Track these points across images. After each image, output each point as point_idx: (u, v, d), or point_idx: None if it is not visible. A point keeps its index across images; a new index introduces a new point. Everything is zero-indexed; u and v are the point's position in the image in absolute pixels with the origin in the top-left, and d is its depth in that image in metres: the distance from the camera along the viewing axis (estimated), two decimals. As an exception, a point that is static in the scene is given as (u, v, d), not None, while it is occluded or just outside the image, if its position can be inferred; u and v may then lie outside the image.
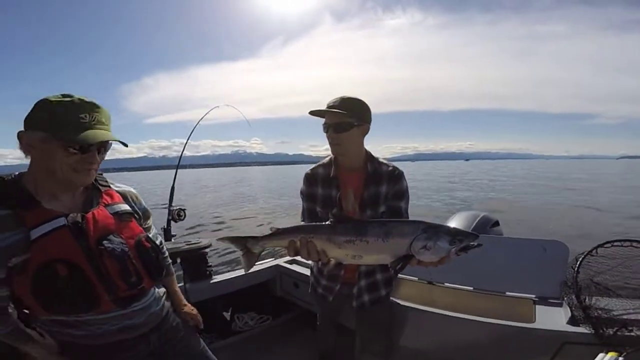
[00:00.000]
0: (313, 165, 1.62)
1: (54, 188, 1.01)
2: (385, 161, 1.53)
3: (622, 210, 12.28)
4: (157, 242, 1.25)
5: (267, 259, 2.86)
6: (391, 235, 1.12)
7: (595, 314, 1.48)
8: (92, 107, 0.97)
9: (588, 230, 8.92)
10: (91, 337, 1.03)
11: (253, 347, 2.44)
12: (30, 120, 0.95)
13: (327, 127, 1.45)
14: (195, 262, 2.40)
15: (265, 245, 1.27)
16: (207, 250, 2.45)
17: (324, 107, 1.43)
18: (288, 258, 2.75)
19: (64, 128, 0.92)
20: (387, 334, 1.72)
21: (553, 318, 1.64)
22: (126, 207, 1.15)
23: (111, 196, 1.13)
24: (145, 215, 1.25)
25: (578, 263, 1.68)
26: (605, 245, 1.71)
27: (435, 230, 1.09)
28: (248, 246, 1.27)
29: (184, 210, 2.79)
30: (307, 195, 1.57)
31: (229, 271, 2.68)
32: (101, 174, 1.16)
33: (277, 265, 2.68)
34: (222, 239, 1.29)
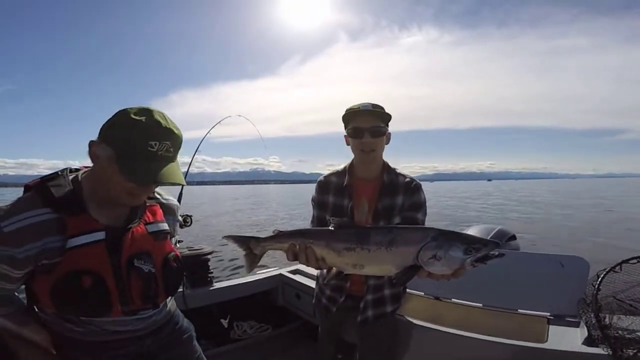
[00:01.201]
0: (326, 173, 1.58)
1: (105, 199, 1.00)
2: (402, 172, 1.48)
3: None
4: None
5: (270, 267, 2.82)
6: (396, 243, 1.03)
7: (615, 334, 1.34)
8: (165, 134, 0.94)
9: (614, 248, 8.42)
10: (86, 334, 1.02)
11: (251, 356, 2.37)
12: (105, 134, 0.93)
13: (360, 132, 1.37)
14: (196, 268, 2.39)
15: (266, 247, 1.23)
16: (209, 257, 2.44)
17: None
18: (291, 268, 2.70)
19: (130, 157, 0.91)
20: (389, 352, 1.62)
21: (568, 338, 1.50)
22: (165, 226, 1.14)
23: (154, 213, 1.12)
24: (176, 229, 1.27)
25: (599, 279, 1.56)
26: (631, 261, 1.59)
27: (447, 238, 0.98)
28: (250, 247, 1.23)
29: (190, 216, 2.80)
30: (318, 202, 1.53)
31: (230, 279, 2.66)
32: None
33: (280, 275, 2.63)
34: (226, 237, 1.28)
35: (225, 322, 2.54)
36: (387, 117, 1.39)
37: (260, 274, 2.65)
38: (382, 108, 1.39)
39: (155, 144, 0.92)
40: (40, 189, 0.94)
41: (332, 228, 1.15)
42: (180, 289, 2.27)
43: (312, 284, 2.33)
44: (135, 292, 1.00)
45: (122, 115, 0.92)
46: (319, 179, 1.56)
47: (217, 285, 2.43)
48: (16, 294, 1.00)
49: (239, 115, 3.32)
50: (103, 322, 1.02)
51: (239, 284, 2.48)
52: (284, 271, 2.65)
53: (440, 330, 1.65)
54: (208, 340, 2.32)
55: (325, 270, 1.28)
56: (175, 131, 0.97)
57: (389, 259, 1.03)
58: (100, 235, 0.95)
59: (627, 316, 1.47)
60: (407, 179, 1.44)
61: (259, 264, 1.29)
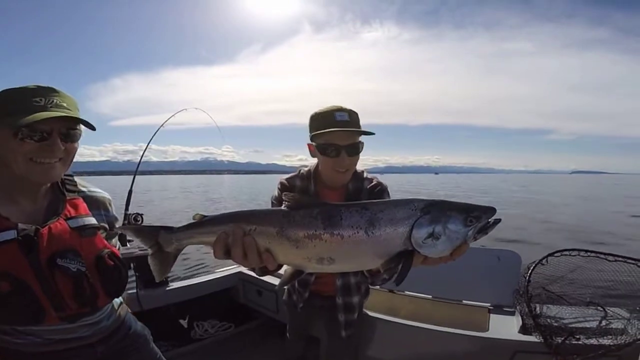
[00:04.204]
0: (288, 175, 1.46)
1: (12, 188, 0.91)
2: (369, 176, 1.39)
3: (576, 222, 13.06)
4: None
5: (229, 265, 2.76)
6: (377, 223, 0.78)
7: (545, 323, 1.52)
8: (49, 91, 0.89)
9: (543, 240, 9.38)
10: (29, 345, 0.95)
11: (214, 355, 2.34)
12: None
13: (336, 150, 1.21)
14: (149, 268, 2.27)
15: (183, 241, 0.89)
16: None
17: (308, 116, 1.27)
18: None
19: (13, 113, 0.84)
20: (356, 349, 1.62)
21: (506, 327, 1.68)
22: (91, 220, 1.03)
23: (76, 207, 1.02)
24: (112, 225, 1.14)
25: (529, 272, 1.73)
26: (555, 254, 1.77)
27: (441, 208, 0.78)
28: (159, 242, 0.90)
29: (141, 215, 2.66)
30: (281, 203, 1.40)
31: (188, 278, 2.58)
32: (72, 176, 1.05)
33: (240, 273, 2.60)
34: (123, 228, 1.03)
35: (184, 322, 2.47)
36: (361, 128, 1.25)
37: (219, 272, 2.62)
38: (357, 115, 1.27)
39: (41, 99, 0.88)
40: None
41: (287, 208, 0.85)
42: (134, 291, 2.18)
43: (273, 280, 2.32)
44: (66, 294, 0.91)
45: (2, 91, 0.88)
46: (281, 181, 1.44)
47: (173, 285, 2.35)
48: None
49: (196, 108, 3.21)
50: (43, 331, 0.95)
51: (197, 283, 2.43)
52: (244, 269, 2.63)
53: (398, 323, 1.76)
54: (167, 342, 2.25)
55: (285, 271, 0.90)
56: (62, 91, 0.92)
57: (371, 247, 0.78)
58: (11, 234, 0.86)
59: (555, 305, 1.67)
60: (372, 184, 1.37)
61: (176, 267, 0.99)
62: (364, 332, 1.80)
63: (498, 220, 0.79)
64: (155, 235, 0.90)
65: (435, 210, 0.77)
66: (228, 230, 0.82)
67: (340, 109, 1.23)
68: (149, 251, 0.93)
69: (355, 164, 1.30)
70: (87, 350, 1.05)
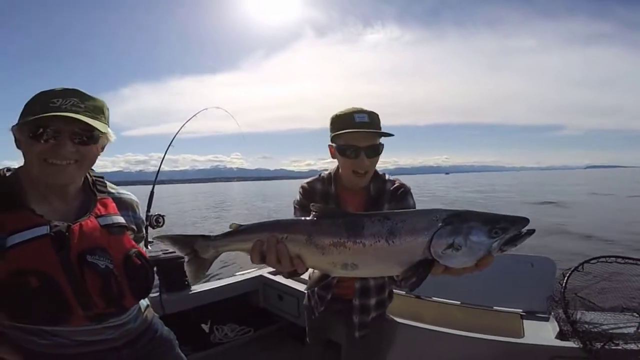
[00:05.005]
0: (309, 179, 1.45)
1: (43, 189, 0.93)
2: (391, 178, 1.38)
3: (602, 225, 12.71)
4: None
5: (249, 269, 2.75)
6: (398, 232, 0.81)
7: (583, 329, 1.48)
8: (71, 94, 0.90)
9: (566, 244, 9.19)
10: (54, 347, 0.95)
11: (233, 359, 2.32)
12: (20, 114, 0.90)
13: (355, 151, 1.21)
14: (172, 271, 2.28)
15: (220, 249, 0.96)
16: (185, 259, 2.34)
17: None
18: (272, 269, 2.66)
19: (30, 113, 0.86)
20: (376, 355, 1.58)
21: (541, 333, 1.64)
22: (120, 219, 1.04)
23: (105, 206, 1.03)
24: (140, 227, 1.15)
25: (565, 278, 1.71)
26: (592, 261, 1.75)
27: (463, 219, 0.78)
28: (196, 249, 0.97)
29: (162, 216, 2.66)
30: (303, 207, 1.37)
31: (208, 281, 2.57)
32: (102, 178, 1.07)
33: (261, 276, 2.59)
34: (161, 238, 1.05)
35: (206, 327, 2.46)
36: (382, 130, 1.25)
37: (240, 276, 2.60)
38: (377, 116, 1.26)
39: (58, 100, 0.88)
40: None
41: (314, 217, 0.92)
42: (157, 294, 2.18)
43: (295, 284, 2.33)
44: (93, 292, 0.91)
45: (36, 95, 0.90)
46: (302, 185, 1.44)
47: (195, 289, 2.35)
48: None
49: (217, 107, 3.18)
50: (70, 332, 0.95)
51: (218, 287, 2.42)
52: (265, 272, 2.61)
53: (423, 328, 1.72)
54: (187, 346, 2.24)
55: (309, 275, 1.03)
56: (84, 92, 0.92)
57: (391, 255, 0.82)
58: (44, 230, 0.87)
59: (590, 312, 1.63)
60: (395, 186, 1.35)
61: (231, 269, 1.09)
62: (387, 336, 1.76)
63: (532, 231, 0.77)
64: (191, 243, 0.97)
65: (458, 221, 0.78)
66: (263, 238, 0.91)
67: (361, 111, 1.23)
68: (185, 258, 0.99)
69: (374, 166, 1.28)
70: (112, 354, 1.05)
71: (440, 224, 0.78)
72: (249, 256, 0.93)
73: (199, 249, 0.97)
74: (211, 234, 0.97)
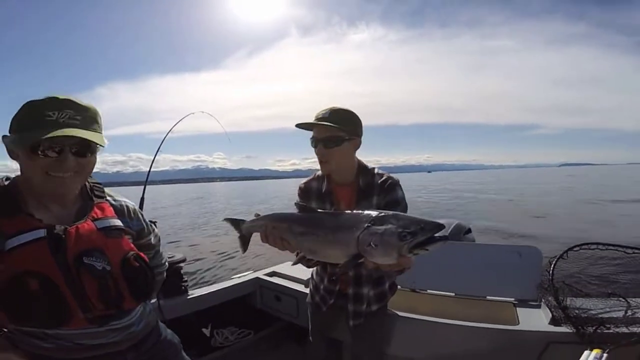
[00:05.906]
0: (306, 179, 1.56)
1: (41, 196, 0.95)
2: (379, 171, 1.46)
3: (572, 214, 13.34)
4: (162, 260, 1.29)
5: (245, 271, 2.78)
6: (339, 229, 0.98)
7: (574, 314, 1.56)
8: (65, 104, 0.90)
9: (545, 232, 9.57)
10: (58, 350, 0.95)
11: None
12: (11, 125, 0.90)
13: (315, 142, 1.37)
14: (169, 277, 2.25)
15: (248, 229, 1.35)
16: (181, 264, 2.32)
17: (299, 120, 1.37)
18: (268, 270, 2.70)
19: (28, 128, 0.87)
20: (379, 348, 1.66)
21: (535, 319, 1.71)
22: (117, 222, 1.05)
23: (102, 209, 1.04)
24: (141, 234, 1.16)
25: (552, 266, 1.79)
26: (575, 249, 1.84)
27: (383, 222, 0.89)
28: (240, 228, 1.38)
29: (154, 222, 2.62)
30: (299, 206, 1.52)
31: (204, 285, 2.57)
32: (99, 184, 1.08)
33: (257, 278, 2.61)
34: (225, 219, 1.45)
35: (207, 331, 2.46)
36: (351, 124, 1.35)
37: (237, 279, 2.61)
38: (346, 113, 1.36)
39: (54, 113, 0.89)
40: None
41: (296, 213, 1.19)
42: (154, 300, 2.15)
43: (291, 285, 2.37)
44: (91, 293, 0.93)
45: (26, 104, 0.90)
46: (299, 186, 1.55)
47: (193, 293, 2.33)
48: None
49: (202, 112, 3.17)
50: (73, 335, 0.96)
51: (215, 290, 2.41)
52: (261, 274, 2.64)
53: (422, 320, 1.78)
54: (188, 351, 2.23)
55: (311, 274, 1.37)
56: (77, 101, 0.93)
57: (335, 246, 0.99)
58: (41, 232, 0.90)
59: (578, 298, 1.72)
60: (383, 179, 1.42)
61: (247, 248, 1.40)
62: (386, 329, 1.81)
63: (443, 238, 0.84)
64: (238, 224, 1.39)
65: (379, 223, 0.90)
66: (264, 224, 1.24)
67: (330, 109, 1.35)
68: (237, 233, 1.40)
69: (337, 157, 1.37)
70: (117, 357, 1.05)
71: (366, 225, 0.92)
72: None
73: (241, 228, 1.37)
74: (244, 220, 1.38)
